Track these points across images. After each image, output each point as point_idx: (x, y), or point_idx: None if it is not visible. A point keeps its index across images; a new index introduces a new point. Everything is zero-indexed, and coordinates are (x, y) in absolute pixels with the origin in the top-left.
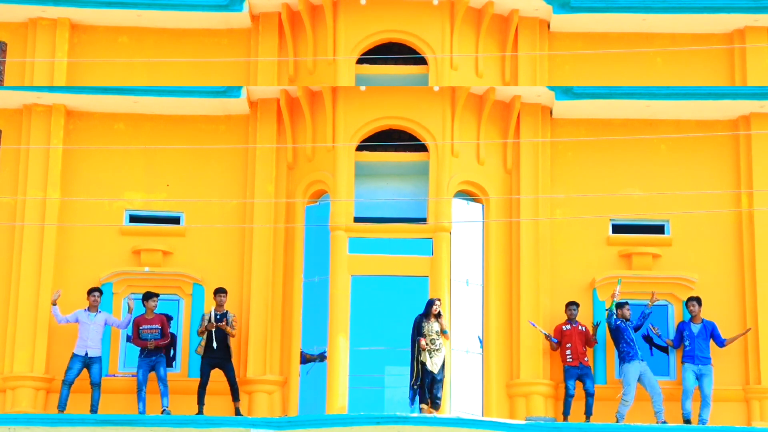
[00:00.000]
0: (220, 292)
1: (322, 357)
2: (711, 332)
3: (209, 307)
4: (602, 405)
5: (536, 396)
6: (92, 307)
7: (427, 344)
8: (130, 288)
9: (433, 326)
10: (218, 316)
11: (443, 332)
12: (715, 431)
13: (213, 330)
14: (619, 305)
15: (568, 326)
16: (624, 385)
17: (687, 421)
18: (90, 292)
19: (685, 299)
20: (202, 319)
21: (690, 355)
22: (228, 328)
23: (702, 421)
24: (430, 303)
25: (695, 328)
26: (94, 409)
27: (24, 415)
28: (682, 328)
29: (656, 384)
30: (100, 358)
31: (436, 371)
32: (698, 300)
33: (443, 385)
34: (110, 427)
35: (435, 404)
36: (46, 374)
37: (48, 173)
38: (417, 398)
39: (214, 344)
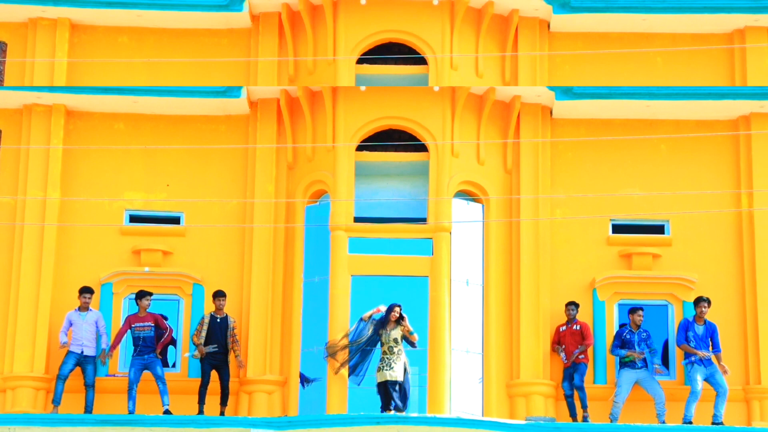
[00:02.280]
0: (219, 295)
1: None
2: (712, 334)
3: (209, 309)
4: (602, 405)
5: (536, 396)
6: (83, 308)
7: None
8: (130, 288)
9: (390, 334)
10: (218, 320)
11: (410, 333)
12: (715, 431)
13: (202, 336)
14: (632, 310)
15: (564, 327)
16: (617, 386)
17: (688, 423)
18: (81, 292)
19: (694, 299)
20: (201, 322)
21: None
22: (242, 362)
23: (717, 417)
24: (389, 309)
25: (699, 329)
26: (88, 409)
27: (24, 415)
28: (686, 326)
29: (658, 387)
30: (94, 358)
31: (400, 379)
32: (708, 301)
33: (409, 389)
34: (110, 427)
35: (399, 409)
36: (46, 374)
37: (48, 173)
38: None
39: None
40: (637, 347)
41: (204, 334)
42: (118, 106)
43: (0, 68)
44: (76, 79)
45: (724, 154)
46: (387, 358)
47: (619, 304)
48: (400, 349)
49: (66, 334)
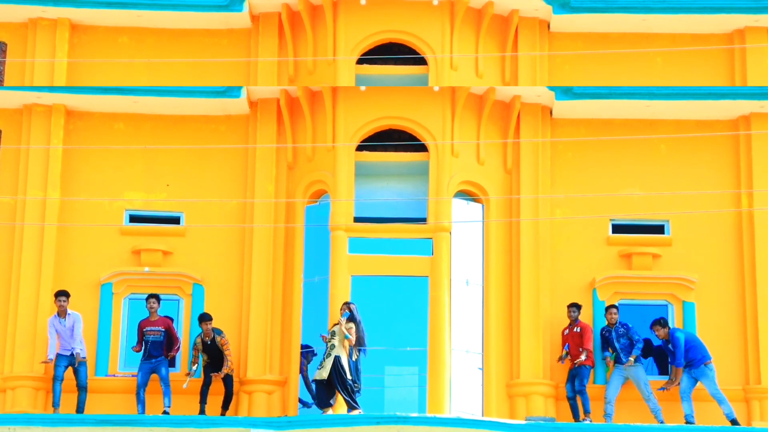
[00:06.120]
0: (205, 319)
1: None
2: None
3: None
4: (602, 405)
5: (536, 396)
6: (61, 312)
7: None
8: (130, 288)
9: (334, 330)
10: (208, 343)
11: (345, 336)
12: (715, 431)
13: (200, 355)
14: (607, 309)
15: (567, 330)
16: (607, 385)
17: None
18: (57, 296)
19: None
20: (195, 347)
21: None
22: (223, 373)
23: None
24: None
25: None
26: (79, 411)
27: (24, 415)
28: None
29: (646, 386)
30: (85, 359)
31: (324, 378)
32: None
33: (345, 388)
34: (110, 427)
35: (330, 405)
36: (46, 374)
37: (48, 173)
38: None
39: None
40: (617, 343)
41: (201, 357)
42: (118, 106)
43: (0, 68)
44: (76, 79)
45: (724, 154)
46: (325, 356)
47: (620, 304)
48: (333, 345)
49: (53, 349)
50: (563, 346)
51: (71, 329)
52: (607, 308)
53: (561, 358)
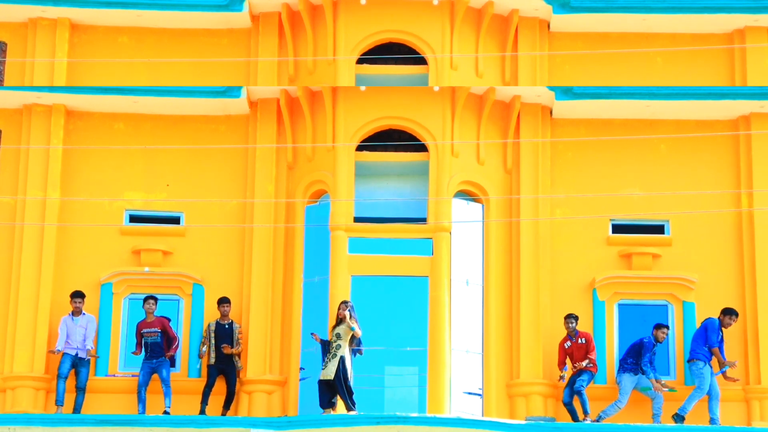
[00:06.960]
0: (224, 302)
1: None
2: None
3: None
4: (603, 405)
5: (536, 396)
6: (75, 312)
7: (319, 338)
8: (130, 288)
9: (335, 330)
10: (226, 326)
11: (350, 328)
12: (715, 431)
13: (212, 343)
14: (658, 326)
15: (569, 343)
16: (621, 393)
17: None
18: (73, 297)
19: (723, 309)
20: (206, 330)
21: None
22: (234, 350)
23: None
24: (339, 306)
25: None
26: (76, 412)
27: (24, 415)
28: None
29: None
30: (88, 361)
31: (331, 378)
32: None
33: (346, 388)
34: (110, 427)
35: (332, 405)
36: (46, 374)
37: (48, 173)
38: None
39: (213, 357)
40: (652, 357)
41: (213, 341)
42: (118, 106)
43: (0, 68)
44: (76, 79)
45: (724, 154)
46: (329, 356)
47: (619, 304)
48: (338, 345)
49: (61, 342)
50: (562, 361)
51: (84, 328)
52: (661, 326)
53: (562, 377)
